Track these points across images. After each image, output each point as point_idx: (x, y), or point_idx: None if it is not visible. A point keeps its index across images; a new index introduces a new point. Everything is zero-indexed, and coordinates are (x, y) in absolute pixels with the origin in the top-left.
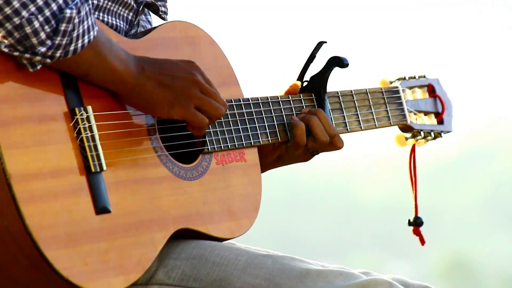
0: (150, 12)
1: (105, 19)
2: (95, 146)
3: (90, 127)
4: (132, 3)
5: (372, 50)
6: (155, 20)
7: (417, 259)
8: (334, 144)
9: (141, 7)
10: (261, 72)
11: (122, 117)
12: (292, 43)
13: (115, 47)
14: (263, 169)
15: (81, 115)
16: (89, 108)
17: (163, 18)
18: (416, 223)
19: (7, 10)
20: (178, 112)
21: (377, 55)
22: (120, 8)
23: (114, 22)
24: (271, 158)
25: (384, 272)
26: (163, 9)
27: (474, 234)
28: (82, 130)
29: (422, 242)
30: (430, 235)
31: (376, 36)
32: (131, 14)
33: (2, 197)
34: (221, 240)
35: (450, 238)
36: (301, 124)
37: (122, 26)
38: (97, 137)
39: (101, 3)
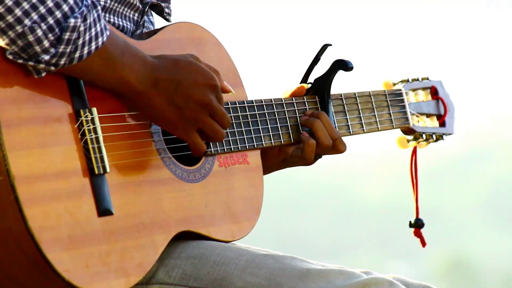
0: (154, 13)
1: (112, 20)
2: (99, 148)
3: (95, 129)
4: (138, 4)
5: (376, 52)
6: (157, 21)
7: (417, 259)
8: (336, 147)
9: (147, 8)
10: (266, 74)
11: (126, 119)
12: (297, 46)
13: (129, 55)
14: (267, 171)
15: (86, 116)
16: (94, 110)
17: (167, 20)
18: (417, 225)
19: (9, 18)
20: (180, 133)
21: (381, 57)
22: (126, 9)
23: (121, 23)
24: (276, 160)
25: (384, 272)
26: (167, 10)
27: (474, 234)
28: (86, 132)
29: (423, 244)
30: (431, 235)
31: (380, 38)
32: (136, 14)
33: (5, 198)
34: (222, 242)
35: (451, 238)
36: (312, 141)
37: (128, 26)
38: (101, 139)
39: (107, 5)
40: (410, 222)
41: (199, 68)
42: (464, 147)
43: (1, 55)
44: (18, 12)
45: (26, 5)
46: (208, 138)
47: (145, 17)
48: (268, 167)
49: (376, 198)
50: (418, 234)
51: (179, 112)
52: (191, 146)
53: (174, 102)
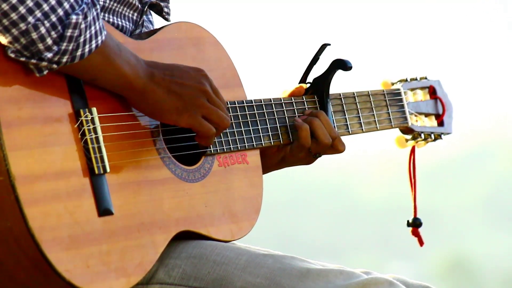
0: (153, 12)
1: (111, 20)
2: (99, 148)
3: (95, 129)
4: (137, 3)
5: (375, 52)
6: (157, 20)
7: (417, 259)
8: (335, 147)
9: (146, 7)
10: (265, 74)
11: (126, 119)
12: (296, 45)
13: (125, 52)
14: (266, 171)
15: (86, 116)
16: (94, 109)
17: (166, 19)
18: (415, 224)
19: (13, 16)
20: (186, 120)
21: (380, 56)
22: (125, 8)
23: (120, 23)
24: (275, 159)
25: (384, 272)
26: (166, 10)
27: (474, 234)
28: (86, 131)
29: (421, 243)
30: (431, 236)
31: (378, 37)
32: (135, 14)
33: (5, 199)
34: (222, 242)
35: (450, 238)
36: (306, 125)
37: (127, 26)
38: (101, 139)
39: (106, 4)
40: (408, 221)
41: (186, 65)
42: (463, 147)
43: (1, 54)
44: (22, 9)
45: (30, 3)
46: (214, 125)
47: (144, 17)
48: (267, 166)
49: (376, 198)
50: (416, 233)
51: (179, 98)
52: (199, 131)
53: (171, 90)
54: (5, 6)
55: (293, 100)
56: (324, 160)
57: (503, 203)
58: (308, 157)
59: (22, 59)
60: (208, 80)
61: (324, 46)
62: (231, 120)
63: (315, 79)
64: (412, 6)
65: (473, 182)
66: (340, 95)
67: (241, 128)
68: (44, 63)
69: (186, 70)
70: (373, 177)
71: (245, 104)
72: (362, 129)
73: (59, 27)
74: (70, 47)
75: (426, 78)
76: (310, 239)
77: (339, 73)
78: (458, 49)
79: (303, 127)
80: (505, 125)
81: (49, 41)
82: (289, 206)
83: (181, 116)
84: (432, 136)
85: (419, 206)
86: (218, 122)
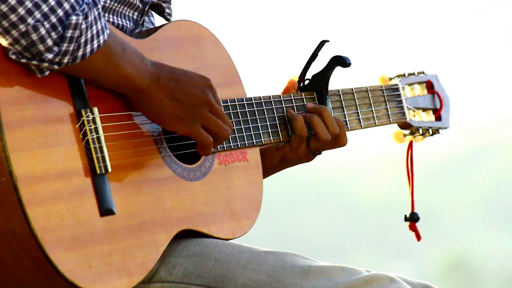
0: (154, 13)
1: (111, 19)
2: (101, 148)
3: (96, 129)
4: (138, 3)
5: (373, 47)
6: (158, 22)
7: (417, 259)
8: (339, 142)
9: (147, 7)
10: (264, 71)
11: (127, 118)
12: (295, 42)
13: (129, 52)
14: (269, 173)
15: (87, 116)
16: (95, 109)
17: (168, 20)
18: (412, 219)
19: (13, 17)
20: (184, 128)
21: (378, 52)
22: (126, 8)
23: (120, 23)
24: (275, 159)
25: (384, 272)
26: (167, 10)
27: (474, 234)
28: (88, 131)
29: (418, 237)
30: (430, 235)
31: (377, 33)
32: (136, 13)
33: (8, 199)
34: (222, 240)
35: (450, 238)
36: (299, 116)
37: (128, 26)
38: (102, 138)
39: (107, 4)
40: (405, 216)
41: (193, 72)
42: (464, 146)
43: (2, 55)
44: (21, 11)
45: (29, 4)
46: (214, 134)
47: (146, 17)
48: (268, 168)
49: (376, 198)
50: (413, 228)
51: (181, 106)
52: (196, 139)
53: (175, 97)
54: (4, 8)
55: (292, 97)
56: (324, 160)
57: (503, 203)
58: (308, 155)
59: (23, 60)
60: (212, 90)
61: (322, 43)
62: (231, 119)
63: (314, 76)
64: (411, 2)
65: (473, 182)
66: (339, 92)
67: (241, 125)
68: (45, 64)
69: (192, 76)
70: (373, 177)
71: (244, 102)
72: (361, 125)
73: (59, 28)
74: (71, 48)
75: (423, 72)
76: (310, 239)
77: (338, 70)
78: (458, 48)
79: (297, 118)
80: (505, 125)
81: (49, 42)
82: (289, 205)
83: (179, 124)
84: (430, 130)
85: (419, 206)
86: (217, 132)
